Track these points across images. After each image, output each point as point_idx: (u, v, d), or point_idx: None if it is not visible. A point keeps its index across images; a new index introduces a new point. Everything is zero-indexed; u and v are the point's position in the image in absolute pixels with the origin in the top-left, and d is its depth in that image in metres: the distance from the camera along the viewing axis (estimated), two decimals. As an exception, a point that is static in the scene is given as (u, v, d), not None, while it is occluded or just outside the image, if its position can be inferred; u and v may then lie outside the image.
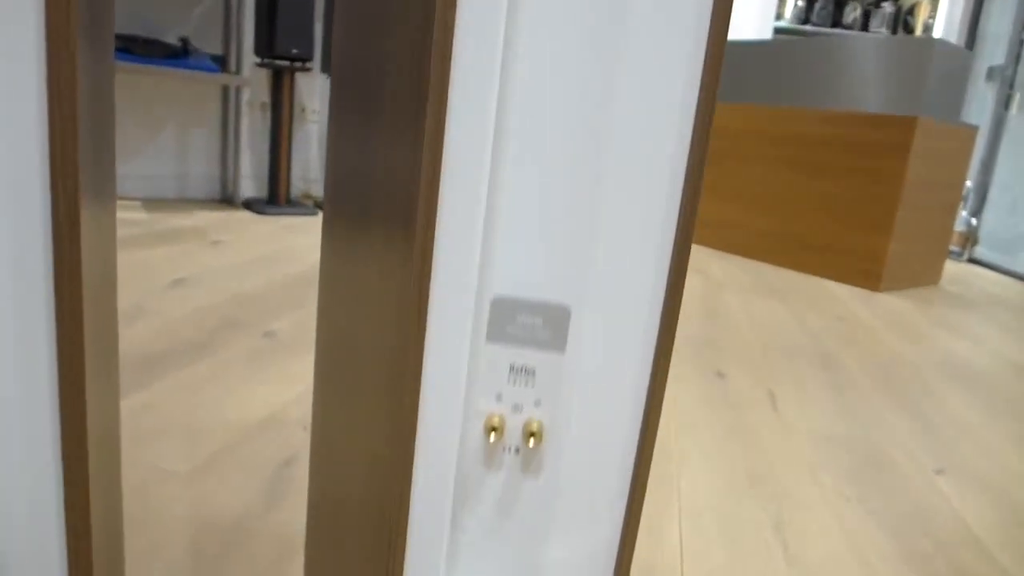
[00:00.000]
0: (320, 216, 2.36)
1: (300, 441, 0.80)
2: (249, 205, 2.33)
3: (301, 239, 1.91)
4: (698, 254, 2.55)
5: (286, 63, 2.22)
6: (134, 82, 2.15)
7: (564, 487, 0.36)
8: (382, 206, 0.37)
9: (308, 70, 2.28)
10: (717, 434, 0.98)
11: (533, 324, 0.35)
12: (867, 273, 2.22)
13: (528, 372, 0.35)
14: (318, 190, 2.82)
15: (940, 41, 2.16)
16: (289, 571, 0.58)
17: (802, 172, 2.39)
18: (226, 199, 2.43)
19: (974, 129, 2.39)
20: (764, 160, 2.50)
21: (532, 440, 0.35)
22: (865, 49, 2.29)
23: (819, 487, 0.85)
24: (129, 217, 1.93)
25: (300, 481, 0.72)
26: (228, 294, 1.32)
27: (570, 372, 0.35)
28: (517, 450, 0.35)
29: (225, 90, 2.35)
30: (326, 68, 2.41)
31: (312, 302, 1.34)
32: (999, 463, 0.99)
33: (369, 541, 0.36)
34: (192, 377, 0.93)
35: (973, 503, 0.86)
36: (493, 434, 0.34)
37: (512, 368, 0.35)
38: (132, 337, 1.04)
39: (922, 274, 2.40)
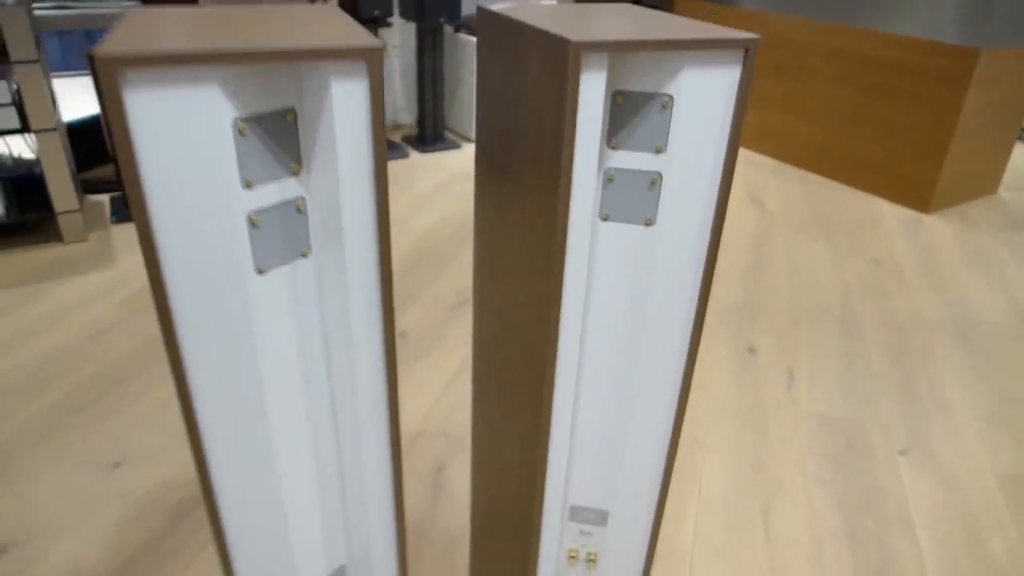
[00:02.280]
0: (408, 158, 2.66)
1: (443, 449, 1.20)
2: (349, 153, 2.64)
3: (400, 198, 2.24)
4: (761, 169, 2.71)
5: (369, 19, 2.42)
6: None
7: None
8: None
9: (389, 25, 2.47)
10: (738, 420, 1.32)
11: (590, 515, 0.71)
12: (918, 195, 2.37)
13: (589, 533, 0.72)
14: (403, 118, 3.09)
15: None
16: (458, 555, 0.99)
17: (862, 92, 2.46)
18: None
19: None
20: (827, 77, 2.56)
21: (591, 565, 0.72)
22: (938, -34, 2.25)
23: (802, 474, 1.20)
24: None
25: (452, 485, 1.12)
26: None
27: (611, 535, 0.72)
28: (585, 566, 0.72)
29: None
30: (404, 14, 2.58)
31: (429, 292, 1.70)
32: (960, 446, 1.30)
33: (515, 540, 0.74)
34: (360, 389, 1.34)
35: (921, 486, 1.19)
36: (572, 559, 0.71)
37: (580, 532, 0.72)
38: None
39: (978, 187, 2.51)
